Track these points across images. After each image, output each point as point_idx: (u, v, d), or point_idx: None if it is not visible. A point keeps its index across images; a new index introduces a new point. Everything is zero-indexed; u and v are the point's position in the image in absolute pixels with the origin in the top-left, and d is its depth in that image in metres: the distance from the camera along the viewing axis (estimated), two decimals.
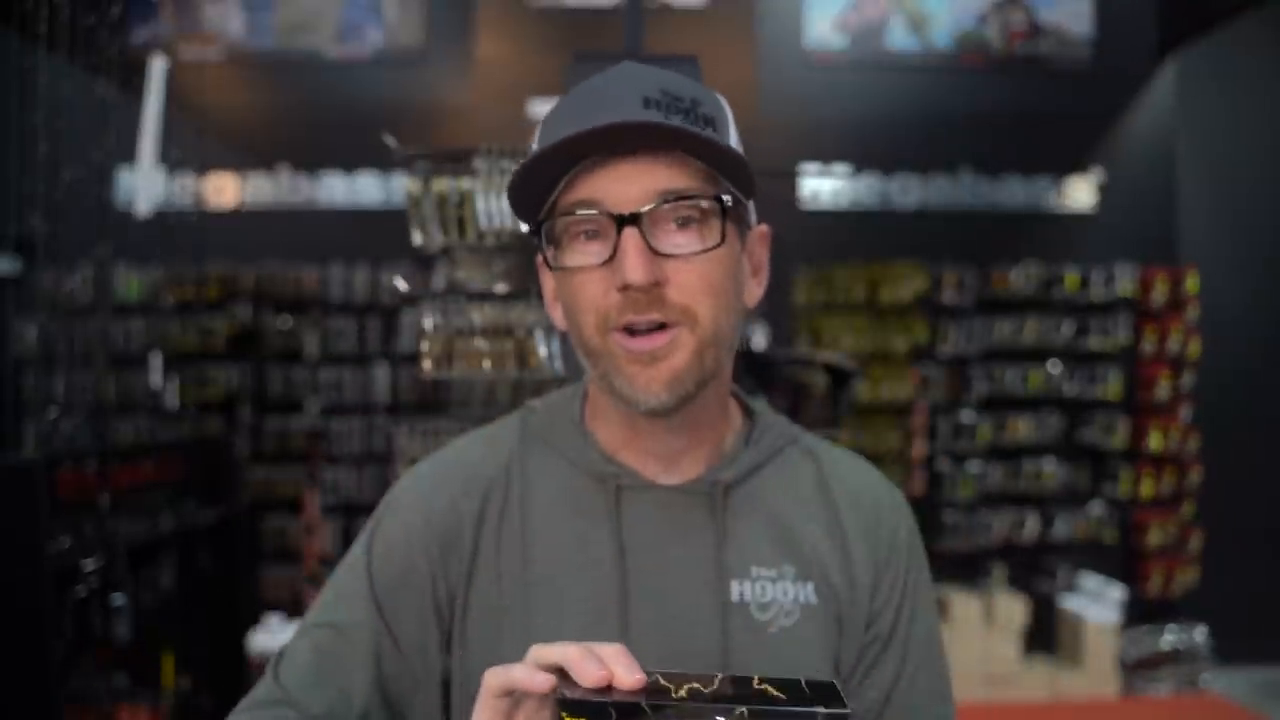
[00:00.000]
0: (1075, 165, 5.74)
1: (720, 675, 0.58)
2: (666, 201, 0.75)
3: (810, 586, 0.84)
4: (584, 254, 0.78)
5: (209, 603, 3.64)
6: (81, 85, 3.20)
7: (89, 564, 2.82)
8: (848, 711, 0.55)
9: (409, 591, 0.84)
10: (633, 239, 0.74)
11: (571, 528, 0.84)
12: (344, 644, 0.83)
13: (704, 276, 0.77)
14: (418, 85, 5.64)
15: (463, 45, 5.62)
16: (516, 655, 0.80)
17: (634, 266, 0.74)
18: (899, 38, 5.84)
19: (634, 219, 0.74)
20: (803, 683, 0.58)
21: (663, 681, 0.57)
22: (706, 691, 0.56)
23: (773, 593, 0.83)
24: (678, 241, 0.76)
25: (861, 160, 5.52)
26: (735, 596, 0.83)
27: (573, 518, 0.85)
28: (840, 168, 5.20)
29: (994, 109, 5.74)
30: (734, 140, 0.82)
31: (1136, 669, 5.03)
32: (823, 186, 5.68)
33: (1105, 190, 5.75)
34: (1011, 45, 5.85)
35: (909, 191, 5.71)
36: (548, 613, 0.81)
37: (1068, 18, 5.86)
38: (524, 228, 0.89)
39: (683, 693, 0.55)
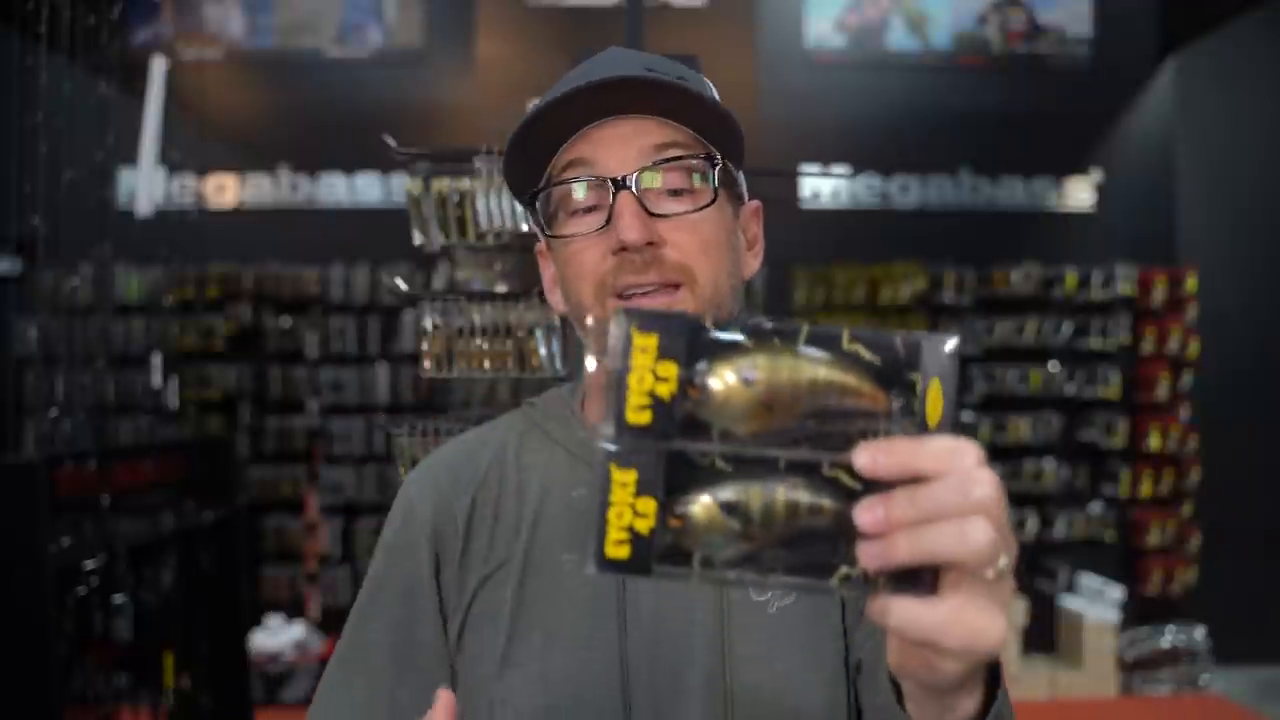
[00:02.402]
0: (1075, 165, 5.74)
1: (807, 326, 0.49)
2: (658, 162, 0.76)
3: None
4: (579, 225, 0.79)
5: (209, 603, 3.64)
6: (81, 85, 3.20)
7: (89, 564, 2.81)
8: (955, 339, 0.48)
9: (413, 556, 0.86)
10: (627, 200, 0.75)
11: (569, 515, 0.84)
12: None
13: (700, 235, 0.78)
14: (418, 85, 5.64)
15: (463, 45, 5.62)
16: (515, 646, 0.80)
17: (629, 226, 0.74)
18: (899, 38, 5.84)
19: (628, 182, 0.76)
20: (897, 339, 0.49)
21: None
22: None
23: None
24: (672, 206, 0.77)
25: (861, 160, 5.52)
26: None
27: (570, 505, 0.84)
28: (840, 168, 5.20)
29: (994, 109, 5.74)
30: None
31: (1136, 669, 5.04)
32: (822, 186, 5.68)
33: (1105, 190, 5.75)
34: (1011, 45, 5.86)
35: (909, 191, 5.71)
36: (545, 601, 0.81)
37: (1067, 18, 5.86)
38: (518, 207, 0.89)
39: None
